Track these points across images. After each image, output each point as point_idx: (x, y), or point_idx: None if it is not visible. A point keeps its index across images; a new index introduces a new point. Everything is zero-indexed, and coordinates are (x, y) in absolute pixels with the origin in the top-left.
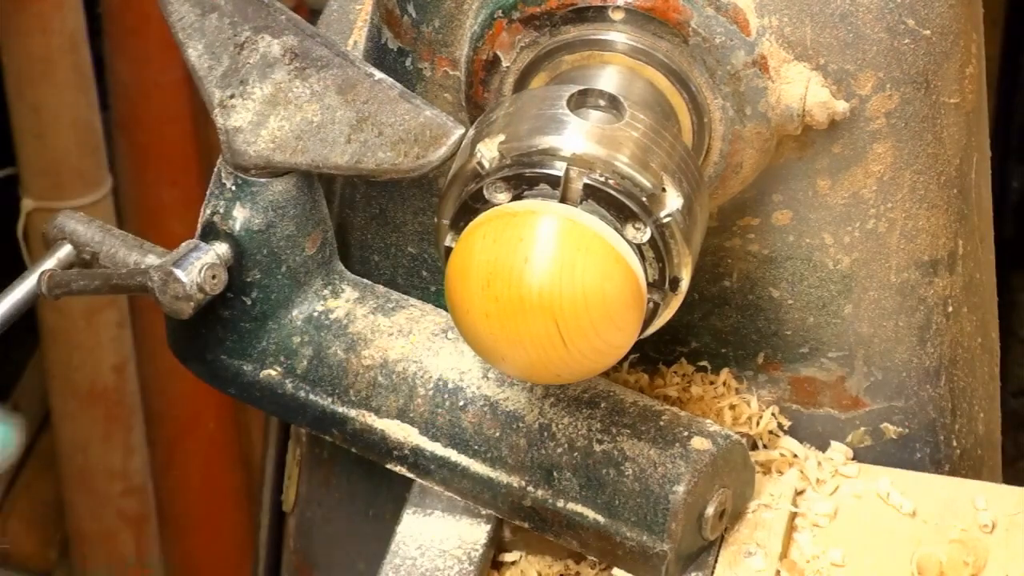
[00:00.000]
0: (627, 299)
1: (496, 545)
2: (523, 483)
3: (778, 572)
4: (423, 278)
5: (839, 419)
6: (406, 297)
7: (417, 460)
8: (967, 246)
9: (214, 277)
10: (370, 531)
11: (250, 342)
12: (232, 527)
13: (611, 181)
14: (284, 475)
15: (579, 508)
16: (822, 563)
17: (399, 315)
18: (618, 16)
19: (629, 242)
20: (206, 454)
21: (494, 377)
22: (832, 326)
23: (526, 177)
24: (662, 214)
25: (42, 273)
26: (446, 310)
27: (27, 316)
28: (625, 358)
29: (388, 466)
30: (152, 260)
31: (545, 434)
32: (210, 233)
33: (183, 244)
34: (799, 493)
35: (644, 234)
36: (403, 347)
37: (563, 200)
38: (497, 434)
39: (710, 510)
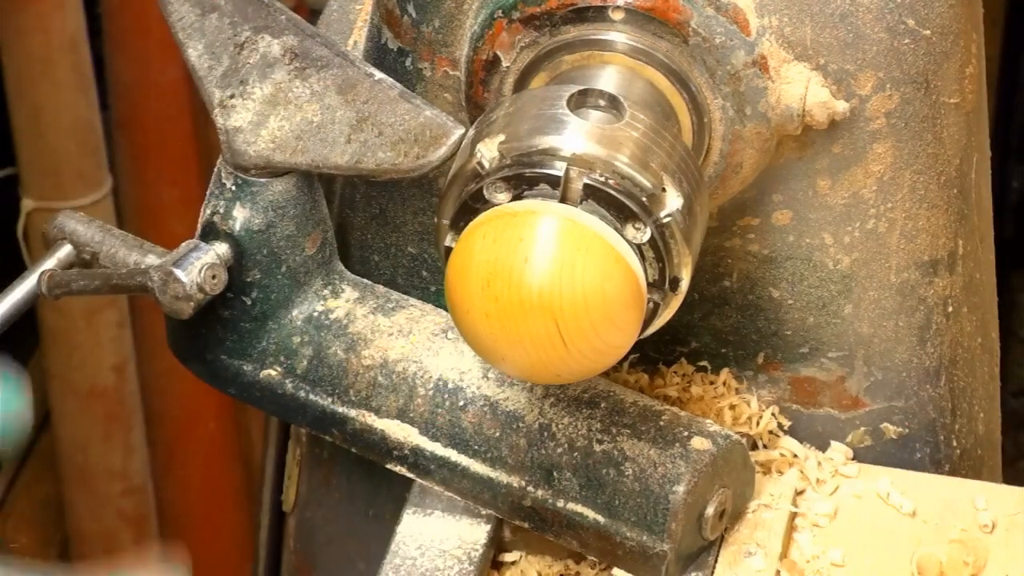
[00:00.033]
0: (627, 299)
1: (496, 545)
2: (523, 483)
3: (778, 572)
4: (423, 278)
5: (839, 419)
6: (406, 297)
7: (417, 460)
8: (967, 246)
9: (214, 277)
10: (370, 531)
11: (250, 342)
12: (232, 527)
13: (611, 181)
14: (284, 475)
15: (579, 508)
16: (822, 563)
17: (399, 315)
18: (618, 16)
19: (629, 242)
20: (206, 454)
21: (494, 377)
22: (832, 326)
23: (526, 177)
24: (662, 214)
25: (42, 273)
26: (446, 310)
27: (27, 316)
28: (625, 358)
29: (388, 466)
30: (152, 260)
31: (545, 434)
32: (210, 233)
33: (183, 244)
34: (799, 493)
35: (644, 234)
36: (403, 347)
37: (563, 200)
38: (497, 434)
39: (710, 510)
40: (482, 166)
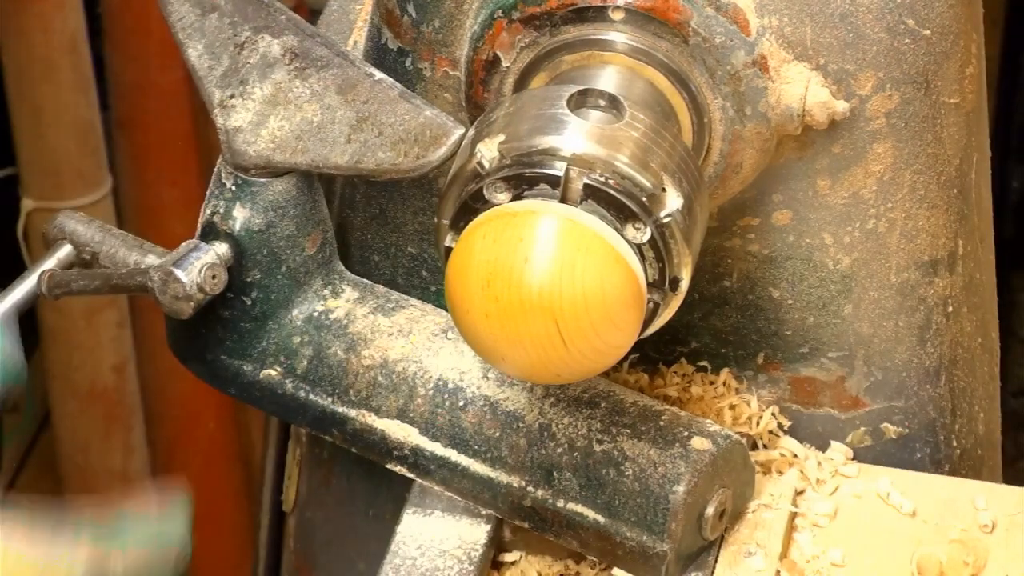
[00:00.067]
0: (627, 299)
1: (496, 545)
2: (523, 483)
3: (778, 572)
4: (423, 278)
5: (839, 419)
6: (406, 297)
7: (417, 460)
8: (967, 246)
9: (214, 277)
10: (370, 531)
11: (250, 342)
12: (232, 527)
13: (611, 181)
14: (284, 475)
15: (579, 508)
16: (822, 563)
17: (399, 315)
18: (618, 16)
19: (629, 242)
20: (206, 454)
21: (494, 377)
22: (832, 326)
23: (526, 177)
24: (662, 214)
25: (42, 273)
26: (446, 310)
27: (27, 316)
28: (625, 358)
29: (388, 466)
30: (152, 260)
31: (545, 434)
32: (210, 233)
33: (183, 244)
34: (799, 493)
35: (644, 234)
36: (403, 347)
37: (563, 200)
38: (497, 434)
39: (710, 510)
40: (482, 166)
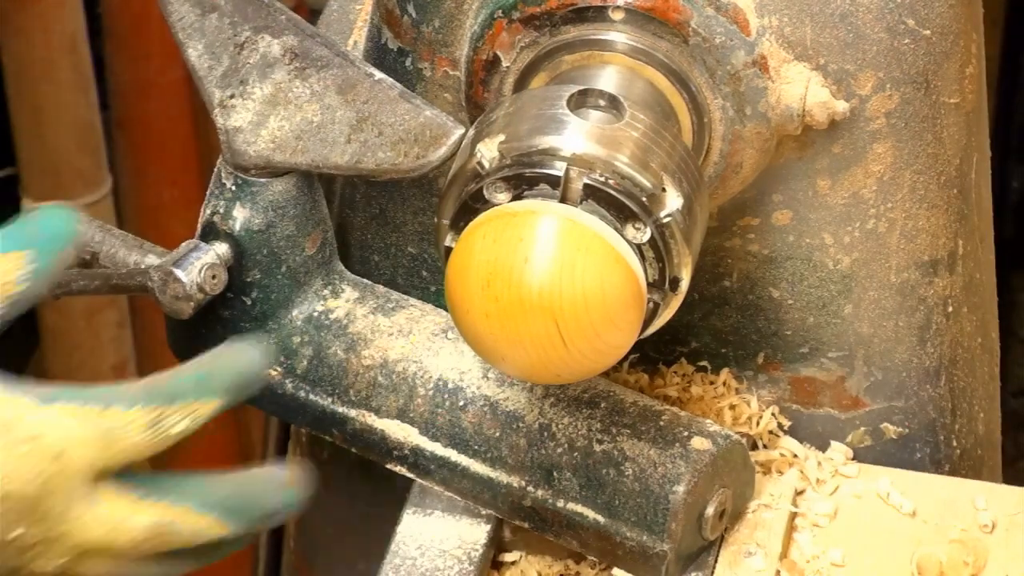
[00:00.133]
0: (627, 299)
1: (496, 545)
2: (523, 483)
3: (778, 572)
4: (423, 278)
5: (839, 419)
6: (406, 297)
7: (417, 460)
8: (967, 246)
9: (214, 277)
10: (370, 531)
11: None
12: None
13: (611, 181)
14: None
15: (579, 508)
16: (822, 563)
17: (399, 315)
18: (618, 16)
19: (629, 242)
20: (206, 454)
21: (494, 377)
22: (832, 326)
23: (526, 177)
24: (662, 214)
25: None
26: (446, 310)
27: (27, 316)
28: (625, 358)
29: (388, 466)
30: (152, 260)
31: (545, 434)
32: (210, 233)
33: (183, 244)
34: (799, 493)
35: (644, 234)
36: (403, 347)
37: (563, 200)
38: (497, 434)
39: (710, 510)
40: (482, 166)
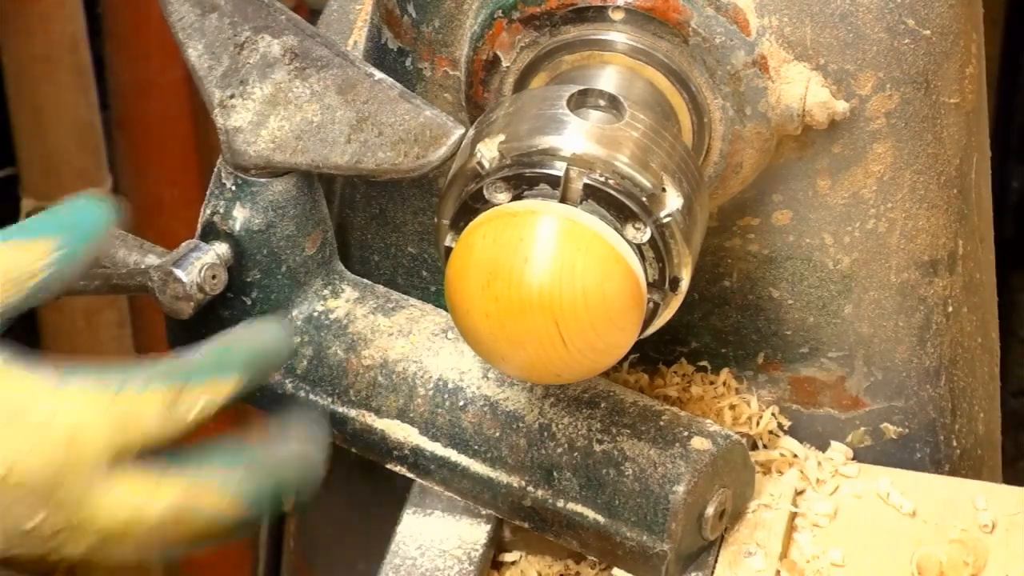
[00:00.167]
0: (627, 299)
1: (496, 545)
2: (523, 483)
3: (778, 572)
4: (423, 278)
5: (839, 419)
6: (406, 297)
7: (417, 460)
8: (967, 246)
9: (214, 277)
10: (370, 531)
11: None
12: None
13: (611, 181)
14: None
15: (579, 508)
16: (822, 563)
17: (399, 315)
18: (618, 16)
19: (629, 242)
20: None
21: (494, 377)
22: (832, 326)
23: (526, 177)
24: (662, 214)
25: None
26: (446, 310)
27: (27, 316)
28: (625, 358)
29: (388, 466)
30: (152, 260)
31: (545, 434)
32: (210, 233)
33: (183, 244)
34: (799, 493)
35: (644, 234)
36: (403, 347)
37: (563, 200)
38: (497, 434)
39: (710, 510)
40: (482, 166)
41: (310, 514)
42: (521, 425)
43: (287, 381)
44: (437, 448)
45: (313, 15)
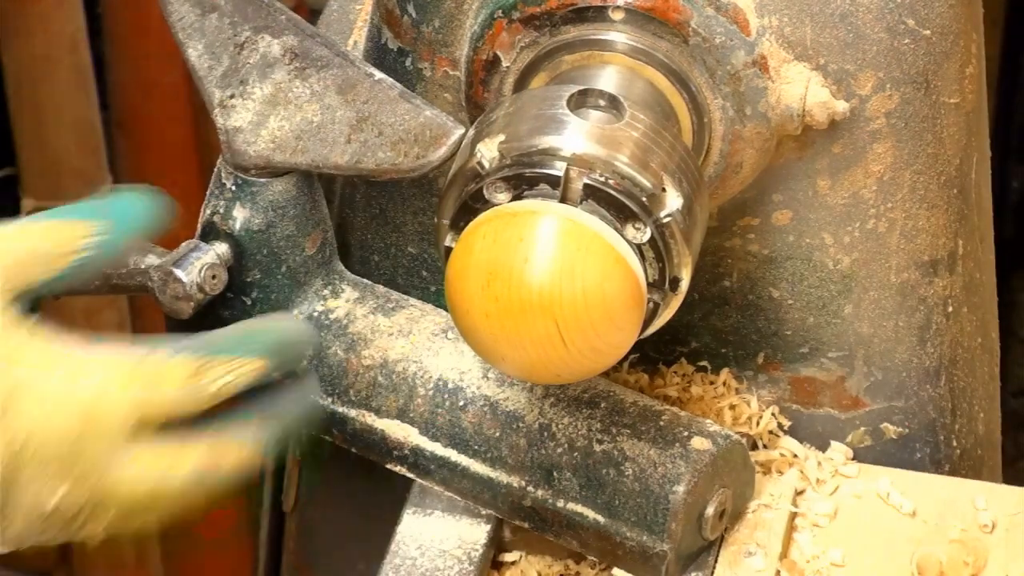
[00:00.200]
0: (627, 299)
1: (496, 545)
2: (523, 483)
3: (778, 572)
4: (423, 278)
5: (839, 419)
6: (406, 297)
7: (417, 460)
8: (967, 246)
9: (214, 277)
10: (370, 531)
11: None
12: (232, 527)
13: (611, 181)
14: (284, 475)
15: (579, 508)
16: (822, 563)
17: (399, 315)
18: (618, 16)
19: (629, 242)
20: None
21: (494, 377)
22: (832, 326)
23: (526, 177)
24: (662, 214)
25: None
26: (446, 310)
27: None
28: (625, 358)
29: (388, 466)
30: (152, 260)
31: (545, 434)
32: (210, 233)
33: (183, 244)
34: (799, 493)
35: (644, 234)
36: (403, 347)
37: (563, 200)
38: (497, 434)
39: (710, 510)
40: (482, 166)
41: (310, 514)
42: (521, 425)
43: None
44: (437, 448)
45: (313, 15)
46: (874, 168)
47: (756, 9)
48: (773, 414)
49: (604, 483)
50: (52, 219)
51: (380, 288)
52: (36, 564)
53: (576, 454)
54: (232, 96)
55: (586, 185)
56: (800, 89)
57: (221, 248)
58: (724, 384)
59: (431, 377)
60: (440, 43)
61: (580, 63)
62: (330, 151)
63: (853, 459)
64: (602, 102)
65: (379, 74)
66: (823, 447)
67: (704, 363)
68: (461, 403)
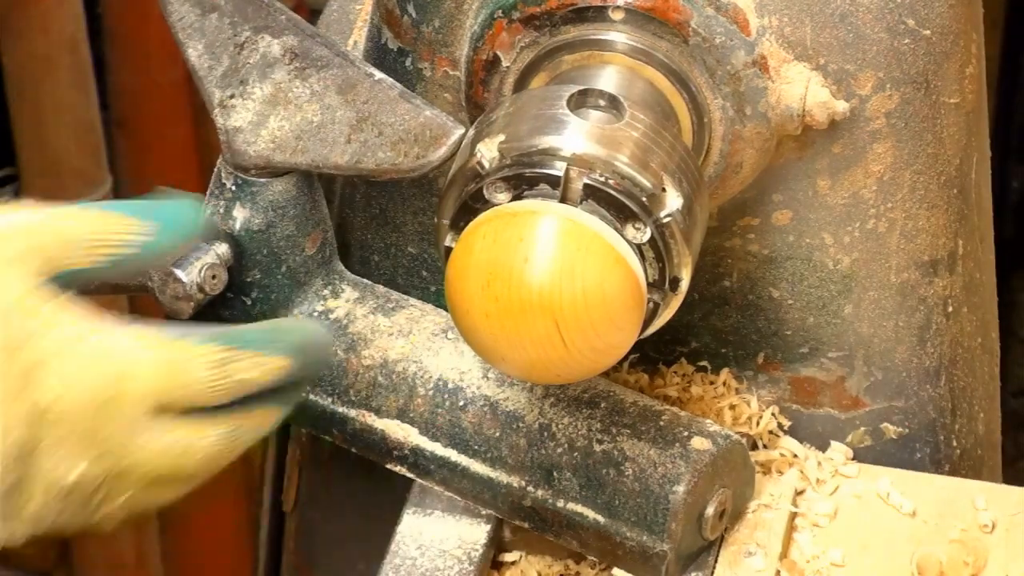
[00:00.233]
0: (627, 299)
1: (496, 545)
2: (523, 483)
3: (778, 572)
4: (423, 278)
5: (839, 419)
6: (406, 297)
7: (417, 460)
8: (967, 246)
9: (214, 277)
10: (370, 531)
11: None
12: (232, 527)
13: (611, 181)
14: (284, 475)
15: (579, 508)
16: (822, 563)
17: (399, 315)
18: (618, 16)
19: (629, 242)
20: None
21: (494, 377)
22: (832, 326)
23: (526, 177)
24: (662, 214)
25: None
26: (446, 310)
27: None
28: (625, 358)
29: (388, 466)
30: None
31: (545, 434)
32: (210, 233)
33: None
34: (799, 493)
35: (644, 234)
36: (403, 347)
37: (563, 200)
38: (497, 434)
39: (710, 510)
40: (482, 166)
41: (310, 514)
42: (521, 425)
43: None
44: (437, 448)
45: (313, 15)
46: (874, 168)
47: (756, 9)
48: (773, 414)
49: (604, 483)
50: (104, 210)
51: (380, 288)
52: (36, 564)
53: (576, 454)
54: (232, 96)
55: (586, 185)
56: (800, 89)
57: (221, 248)
58: (724, 384)
59: (431, 377)
60: (440, 43)
61: (580, 63)
62: (330, 151)
63: (853, 459)
64: (602, 102)
65: (379, 74)
66: (823, 447)
67: (704, 363)
68: (461, 403)
